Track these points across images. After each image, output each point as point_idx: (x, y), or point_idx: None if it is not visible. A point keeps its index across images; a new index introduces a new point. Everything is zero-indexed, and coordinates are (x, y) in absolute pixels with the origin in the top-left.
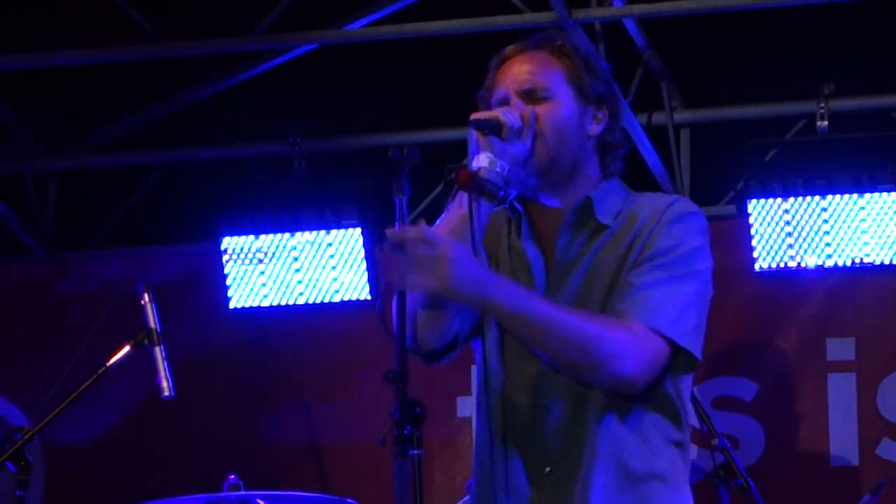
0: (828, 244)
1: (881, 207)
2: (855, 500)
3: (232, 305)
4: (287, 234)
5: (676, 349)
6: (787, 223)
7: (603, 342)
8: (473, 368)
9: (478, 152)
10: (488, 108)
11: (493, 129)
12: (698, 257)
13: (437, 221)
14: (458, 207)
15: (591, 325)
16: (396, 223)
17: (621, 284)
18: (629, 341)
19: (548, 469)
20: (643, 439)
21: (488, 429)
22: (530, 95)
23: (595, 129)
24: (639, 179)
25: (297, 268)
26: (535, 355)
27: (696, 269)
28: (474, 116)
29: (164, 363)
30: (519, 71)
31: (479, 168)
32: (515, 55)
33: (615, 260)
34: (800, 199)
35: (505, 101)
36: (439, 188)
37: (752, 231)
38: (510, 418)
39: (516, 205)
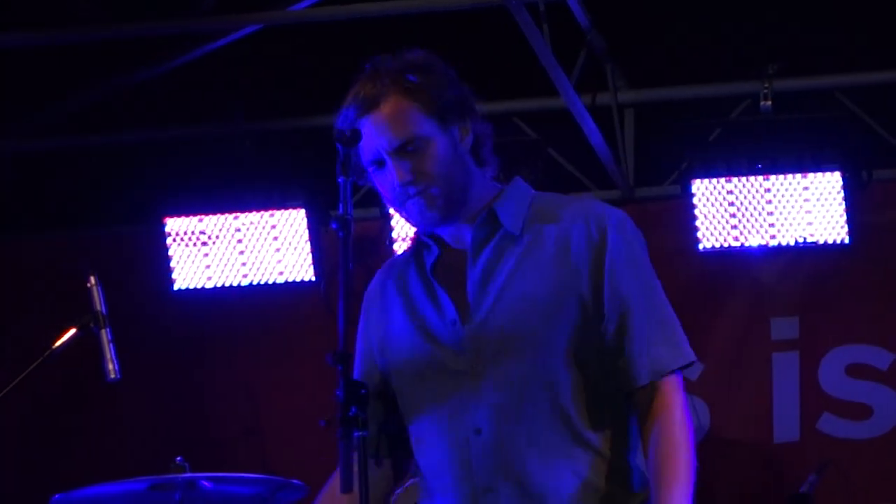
0: (771, 224)
1: (824, 187)
2: (797, 474)
3: (176, 287)
4: (231, 216)
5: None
6: (731, 203)
7: (690, 449)
8: None
9: None
10: (354, 161)
11: None
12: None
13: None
14: None
15: (682, 457)
16: (340, 204)
17: (610, 332)
18: (679, 417)
19: None
20: None
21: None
22: (402, 150)
23: (467, 142)
24: (584, 160)
25: (241, 249)
26: None
27: (655, 279)
28: None
29: (109, 346)
30: (383, 130)
31: None
32: (371, 110)
33: (545, 264)
34: (743, 179)
35: (381, 163)
36: None
37: (696, 211)
38: None
39: (425, 239)
